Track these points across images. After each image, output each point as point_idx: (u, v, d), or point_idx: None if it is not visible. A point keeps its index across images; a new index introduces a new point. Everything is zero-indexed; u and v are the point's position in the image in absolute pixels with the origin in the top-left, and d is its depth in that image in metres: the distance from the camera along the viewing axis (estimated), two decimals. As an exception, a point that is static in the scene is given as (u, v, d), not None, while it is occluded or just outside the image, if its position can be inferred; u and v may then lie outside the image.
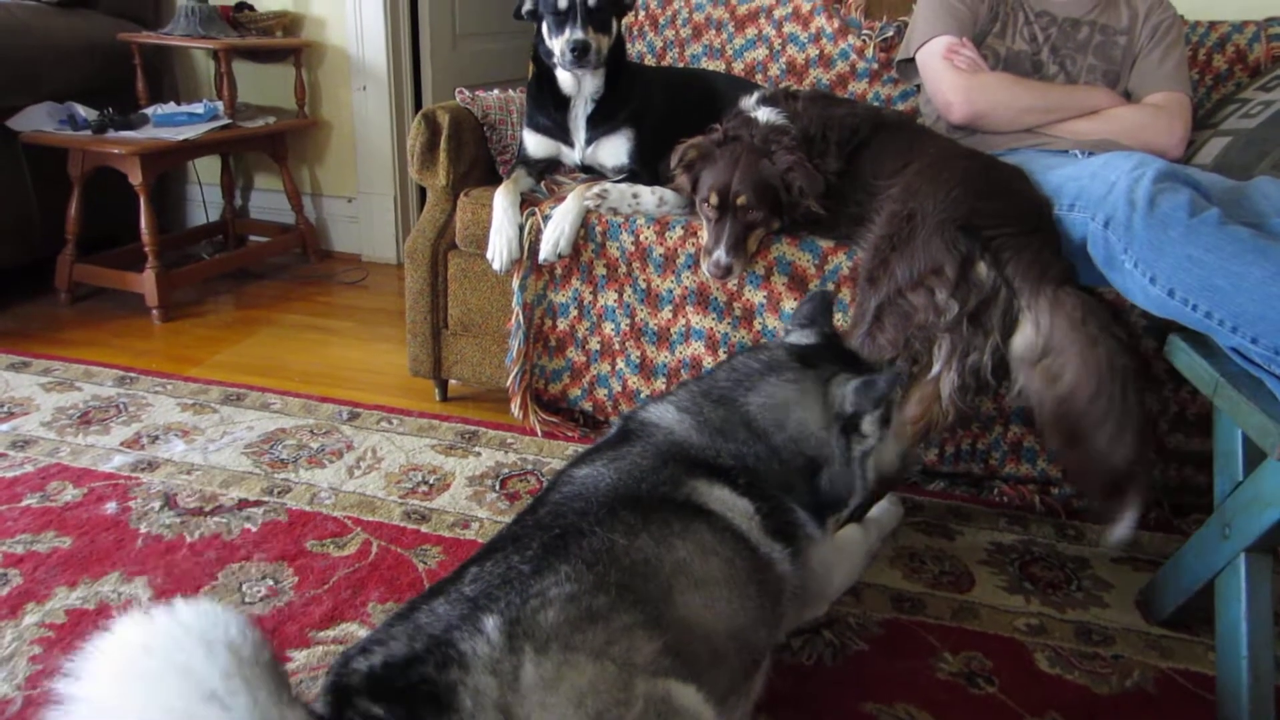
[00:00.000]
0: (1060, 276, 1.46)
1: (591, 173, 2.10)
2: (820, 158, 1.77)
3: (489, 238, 1.96)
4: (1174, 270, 1.31)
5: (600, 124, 2.04)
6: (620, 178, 2.03)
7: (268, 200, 3.44)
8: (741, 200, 1.72)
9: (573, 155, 2.09)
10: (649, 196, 1.96)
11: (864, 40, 2.33)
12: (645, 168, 2.04)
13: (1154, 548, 1.71)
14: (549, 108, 2.06)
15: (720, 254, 1.73)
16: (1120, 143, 1.81)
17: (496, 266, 1.96)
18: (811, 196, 1.73)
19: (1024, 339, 1.46)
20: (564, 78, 2.00)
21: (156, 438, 1.95)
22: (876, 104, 2.29)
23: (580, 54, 1.89)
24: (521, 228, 1.95)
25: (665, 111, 2.08)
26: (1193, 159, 1.88)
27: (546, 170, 2.14)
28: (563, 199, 1.94)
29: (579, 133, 2.06)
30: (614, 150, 2.05)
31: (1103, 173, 1.49)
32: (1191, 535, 1.43)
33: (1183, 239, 1.31)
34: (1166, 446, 1.75)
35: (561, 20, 1.91)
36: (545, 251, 1.90)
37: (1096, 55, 1.96)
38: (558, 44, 1.92)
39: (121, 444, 1.92)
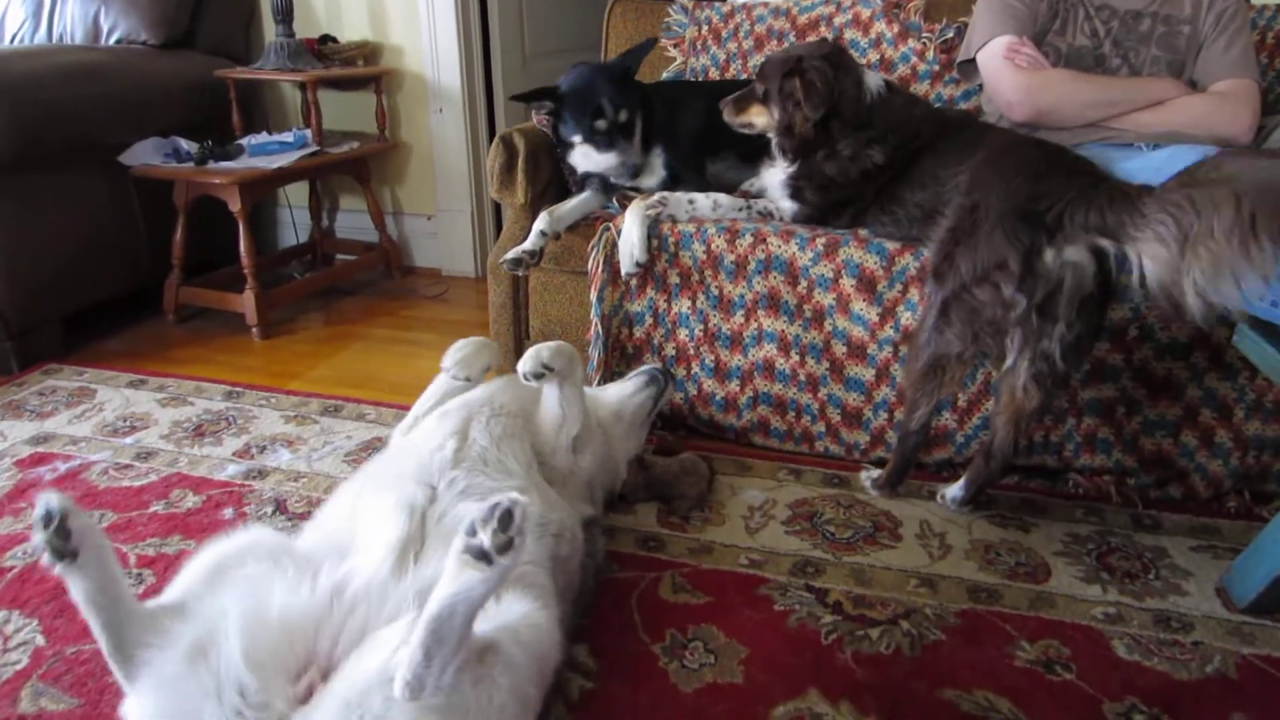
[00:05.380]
0: (1140, 191, 1.39)
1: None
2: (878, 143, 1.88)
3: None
4: (1240, 261, 1.32)
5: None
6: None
7: (352, 220, 3.61)
8: (759, 73, 1.99)
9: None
10: (704, 201, 2.06)
11: (924, 43, 2.36)
12: (687, 172, 2.17)
13: (1234, 536, 1.71)
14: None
15: (729, 97, 2.02)
16: (1187, 133, 1.81)
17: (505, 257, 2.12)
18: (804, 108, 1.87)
19: (1156, 264, 1.34)
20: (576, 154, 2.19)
21: (264, 448, 2.09)
22: (939, 104, 2.32)
23: (634, 173, 2.12)
24: (543, 233, 2.09)
25: (701, 121, 2.20)
26: (1264, 144, 1.87)
27: (611, 186, 2.23)
28: (632, 213, 2.04)
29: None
30: (651, 170, 2.20)
31: (1168, 166, 1.51)
32: (1271, 520, 1.44)
33: (1248, 229, 1.32)
34: (1244, 434, 1.75)
35: (603, 142, 2.11)
36: (625, 266, 2.00)
37: (1160, 46, 1.96)
38: (603, 161, 2.13)
39: (233, 454, 2.06)
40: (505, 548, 0.88)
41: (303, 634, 1.02)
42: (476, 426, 1.44)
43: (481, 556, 0.88)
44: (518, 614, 1.07)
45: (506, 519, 0.88)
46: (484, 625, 1.00)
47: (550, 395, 1.58)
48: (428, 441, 1.40)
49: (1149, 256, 1.35)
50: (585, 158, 2.18)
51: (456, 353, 1.63)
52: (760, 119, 1.98)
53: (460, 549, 0.90)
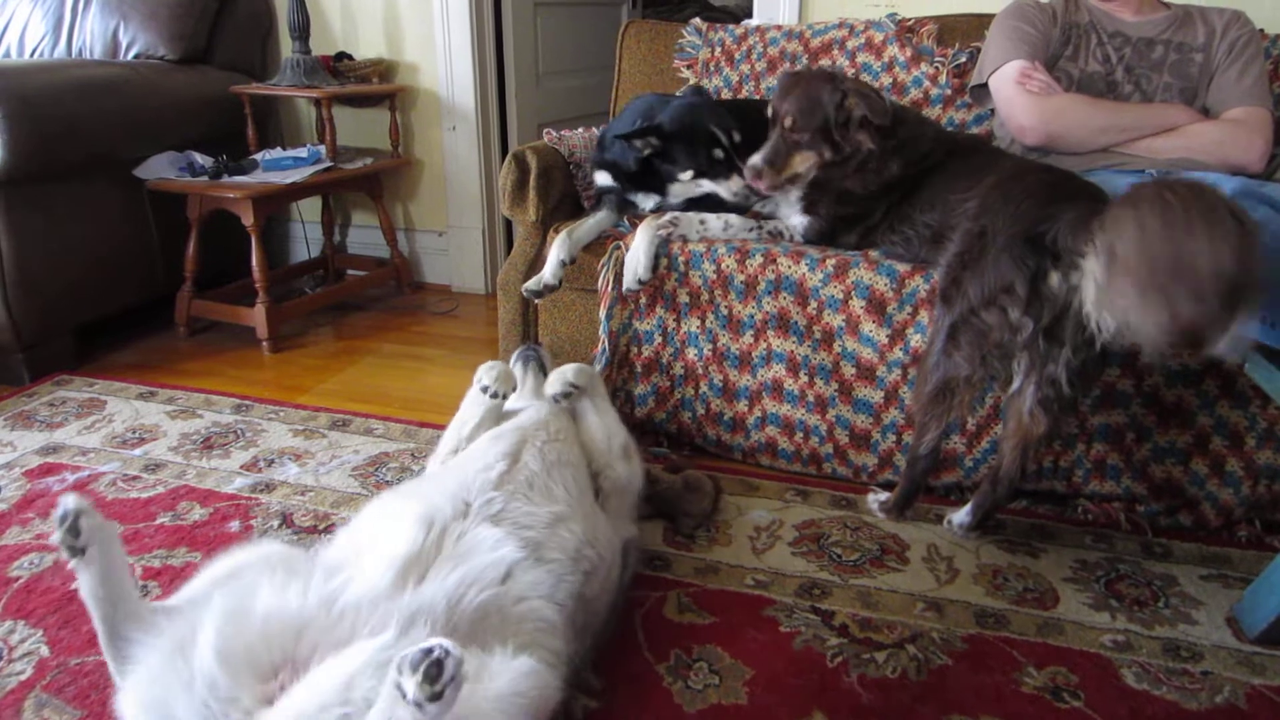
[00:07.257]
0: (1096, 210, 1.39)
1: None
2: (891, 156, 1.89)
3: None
4: (1251, 289, 1.32)
5: None
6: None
7: (364, 236, 3.63)
8: (788, 121, 1.87)
9: (646, 203, 2.20)
10: (715, 221, 2.06)
11: (937, 67, 2.37)
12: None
13: (1245, 565, 1.69)
14: (629, 183, 2.18)
15: (756, 159, 1.91)
16: (1198, 160, 1.81)
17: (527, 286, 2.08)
18: (868, 127, 1.85)
19: (1090, 285, 1.37)
20: (676, 187, 2.13)
21: (272, 461, 2.10)
22: (951, 128, 2.33)
23: (750, 195, 2.06)
24: (563, 262, 2.04)
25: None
26: (1276, 174, 1.87)
27: (626, 205, 2.23)
28: (643, 232, 2.04)
29: (653, 195, 2.18)
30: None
31: (1179, 192, 1.50)
32: (1282, 551, 1.43)
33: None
34: (1255, 463, 1.74)
35: (720, 170, 2.06)
36: (627, 281, 2.00)
37: (1172, 73, 1.96)
38: (724, 188, 2.07)
39: (241, 467, 2.07)
40: (434, 698, 0.83)
41: (282, 635, 1.02)
42: (530, 450, 1.44)
43: (410, 698, 0.84)
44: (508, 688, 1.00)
45: (435, 671, 0.83)
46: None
47: (588, 412, 1.64)
48: (476, 461, 1.39)
49: (1085, 283, 1.39)
50: (681, 192, 2.12)
51: (492, 369, 1.64)
52: (805, 164, 1.92)
53: (390, 686, 0.85)
